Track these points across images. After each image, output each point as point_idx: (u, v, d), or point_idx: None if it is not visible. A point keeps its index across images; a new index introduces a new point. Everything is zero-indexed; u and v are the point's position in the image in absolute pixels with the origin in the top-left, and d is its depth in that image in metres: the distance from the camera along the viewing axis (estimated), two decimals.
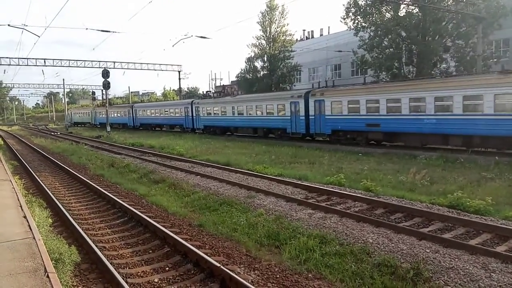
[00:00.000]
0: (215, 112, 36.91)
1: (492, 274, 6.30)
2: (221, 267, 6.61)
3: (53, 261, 5.94)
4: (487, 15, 25.25)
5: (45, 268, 5.33)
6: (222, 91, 45.93)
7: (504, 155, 16.89)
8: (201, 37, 35.59)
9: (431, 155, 18.00)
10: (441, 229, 8.64)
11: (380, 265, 6.87)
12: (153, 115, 49.65)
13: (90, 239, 8.46)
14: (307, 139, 27.70)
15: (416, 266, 6.59)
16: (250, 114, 32.14)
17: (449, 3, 28.88)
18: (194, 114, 40.15)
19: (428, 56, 29.36)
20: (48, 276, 5.06)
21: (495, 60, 28.83)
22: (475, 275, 6.29)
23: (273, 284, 6.54)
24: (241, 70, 51.98)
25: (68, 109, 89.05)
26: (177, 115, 43.81)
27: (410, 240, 7.89)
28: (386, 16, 32.22)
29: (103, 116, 58.68)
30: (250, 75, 50.65)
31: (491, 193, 10.84)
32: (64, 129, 62.61)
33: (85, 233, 8.86)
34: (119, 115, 58.46)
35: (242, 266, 7.30)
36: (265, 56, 48.74)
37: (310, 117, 26.13)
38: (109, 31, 32.26)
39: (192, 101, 41.74)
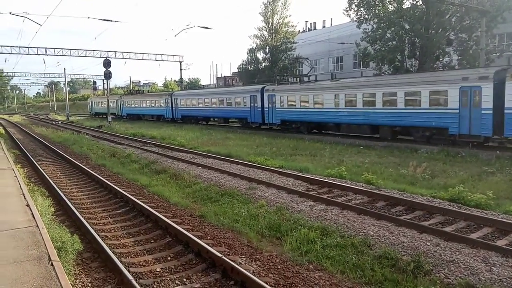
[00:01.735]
0: (302, 102, 27.58)
1: (492, 267, 6.34)
2: (223, 257, 6.65)
3: (56, 250, 5.98)
4: (491, 8, 25.08)
5: (49, 256, 5.37)
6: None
7: (505, 150, 16.87)
8: (204, 27, 35.55)
9: (432, 149, 17.99)
10: (442, 223, 8.68)
11: (381, 258, 6.92)
12: (201, 105, 39.96)
13: (92, 228, 8.50)
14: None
15: (416, 259, 6.63)
16: (368, 105, 22.86)
17: None
18: (265, 105, 30.81)
19: (431, 49, 29.20)
20: (52, 264, 5.10)
21: (498, 54, 28.68)
22: (476, 269, 6.33)
23: (274, 275, 6.58)
24: (243, 61, 51.96)
25: (88, 98, 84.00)
26: (238, 106, 34.28)
27: (411, 233, 7.92)
28: (390, 8, 32.00)
29: (133, 106, 54.24)
30: (252, 66, 50.51)
31: (492, 187, 10.87)
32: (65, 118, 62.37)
33: (87, 222, 8.91)
34: (152, 105, 49.40)
35: (243, 256, 7.35)
36: (267, 47, 48.59)
37: (507, 111, 16.69)
38: (111, 21, 32.10)
39: (264, 87, 31.85)
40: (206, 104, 39.21)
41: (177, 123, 42.75)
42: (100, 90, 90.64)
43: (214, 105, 37.91)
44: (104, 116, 60.81)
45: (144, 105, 51.18)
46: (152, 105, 49.33)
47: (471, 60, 27.61)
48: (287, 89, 29.36)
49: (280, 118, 29.41)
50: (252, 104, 32.22)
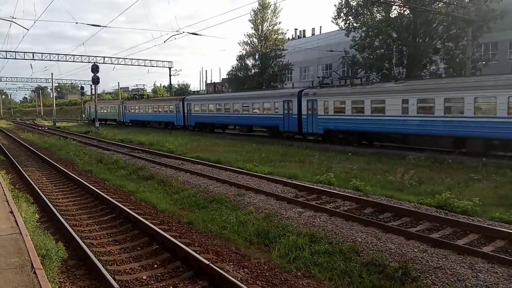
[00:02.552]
0: (355, 109, 23.18)
1: (478, 274, 6.38)
2: (210, 264, 6.58)
3: (40, 257, 5.86)
4: (477, 18, 25.55)
5: (32, 264, 5.25)
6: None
7: (491, 157, 17.09)
8: (193, 33, 35.00)
9: (419, 156, 18.13)
10: (429, 229, 8.72)
11: (369, 264, 6.91)
12: (220, 111, 35.92)
13: (78, 235, 8.37)
14: None
15: (404, 265, 6.63)
16: (452, 112, 18.72)
17: (439, 5, 29.17)
18: (303, 112, 26.35)
19: (418, 58, 29.63)
20: (35, 272, 4.99)
21: (483, 63, 29.18)
22: (462, 275, 6.36)
23: (262, 282, 6.53)
24: (232, 67, 51.92)
25: (85, 103, 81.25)
26: (267, 112, 30.10)
27: (399, 240, 7.94)
28: (377, 17, 32.44)
29: (137, 112, 51.00)
30: (241, 73, 50.58)
31: (478, 194, 10.97)
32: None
33: (72, 229, 8.77)
34: (160, 110, 45.80)
35: (231, 264, 7.29)
36: (257, 54, 48.74)
37: None
38: (100, 26, 31.94)
39: (301, 90, 27.33)
40: (226, 109, 35.02)
41: (167, 129, 42.28)
42: (88, 95, 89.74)
43: (236, 112, 33.56)
44: (103, 122, 57.45)
45: (150, 110, 47.85)
46: (160, 110, 45.79)
47: (458, 68, 28.08)
48: (334, 93, 24.75)
49: (324, 127, 25.03)
50: (286, 111, 27.87)
